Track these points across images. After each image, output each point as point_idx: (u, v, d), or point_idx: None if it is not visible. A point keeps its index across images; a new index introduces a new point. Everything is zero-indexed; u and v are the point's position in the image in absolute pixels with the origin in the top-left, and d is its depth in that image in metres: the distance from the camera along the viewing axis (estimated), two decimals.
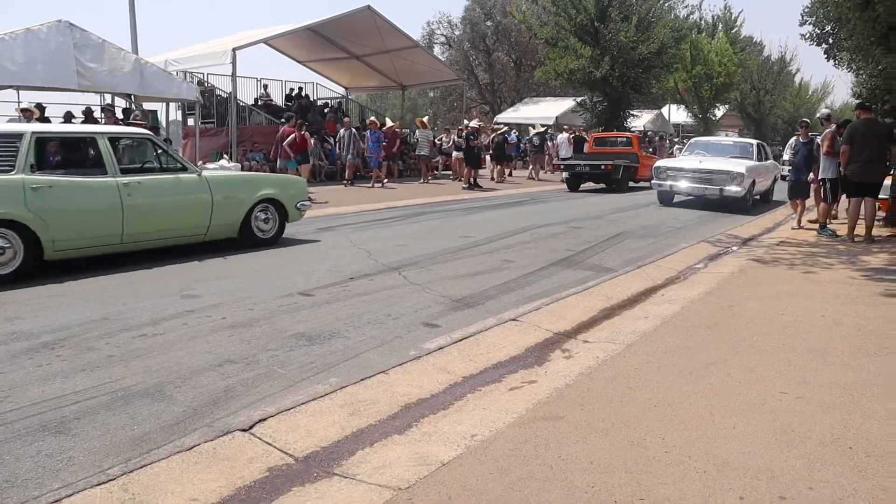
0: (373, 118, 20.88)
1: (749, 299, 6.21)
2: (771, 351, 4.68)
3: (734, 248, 9.38)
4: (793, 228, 11.45)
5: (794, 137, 11.93)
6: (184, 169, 7.84)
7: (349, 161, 19.05)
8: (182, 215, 7.65)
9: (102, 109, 11.67)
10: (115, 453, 3.10)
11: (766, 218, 13.59)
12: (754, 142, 16.08)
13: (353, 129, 19.44)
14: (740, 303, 6.09)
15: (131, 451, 3.12)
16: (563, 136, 25.03)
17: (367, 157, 19.36)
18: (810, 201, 12.00)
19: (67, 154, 8.47)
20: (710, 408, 3.67)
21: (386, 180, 19.38)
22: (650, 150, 26.32)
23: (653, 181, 14.96)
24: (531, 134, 25.83)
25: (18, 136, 6.55)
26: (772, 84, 47.80)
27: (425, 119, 23.33)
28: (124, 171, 7.24)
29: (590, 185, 19.63)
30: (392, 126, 20.55)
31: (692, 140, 17.63)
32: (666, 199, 15.28)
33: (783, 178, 20.67)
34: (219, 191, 7.93)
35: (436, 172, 23.33)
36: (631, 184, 19.55)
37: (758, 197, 15.34)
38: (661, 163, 15.51)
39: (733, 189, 13.60)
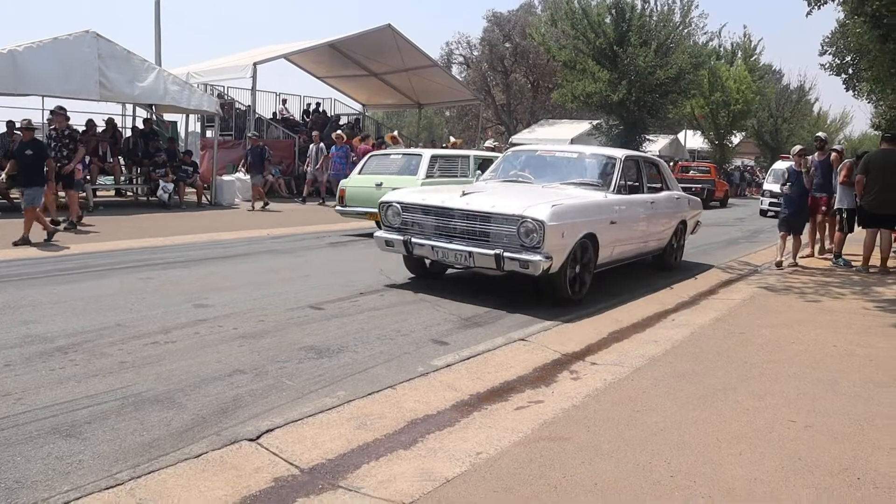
0: (339, 132, 18.58)
1: (760, 327, 6.19)
2: (781, 379, 4.66)
3: (746, 274, 9.34)
4: (777, 265, 9.81)
5: (787, 165, 10.54)
6: None
7: (309, 176, 17.99)
8: None
9: (52, 112, 11.20)
10: (125, 458, 3.14)
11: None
12: (620, 156, 8.00)
13: (322, 145, 18.13)
14: (751, 330, 6.07)
15: (140, 457, 3.15)
16: None
17: (330, 177, 16.97)
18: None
19: None
20: (717, 433, 3.66)
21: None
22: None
23: (375, 233, 7.52)
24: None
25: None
26: (790, 112, 47.69)
27: (395, 133, 20.55)
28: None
29: None
30: (357, 140, 18.85)
31: (508, 151, 9.40)
32: (408, 262, 7.80)
33: (766, 212, 20.30)
34: None
35: None
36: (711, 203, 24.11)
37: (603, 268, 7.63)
38: (392, 196, 7.45)
39: (524, 258, 6.23)
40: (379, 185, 10.80)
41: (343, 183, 12.00)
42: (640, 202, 8.08)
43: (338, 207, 11.73)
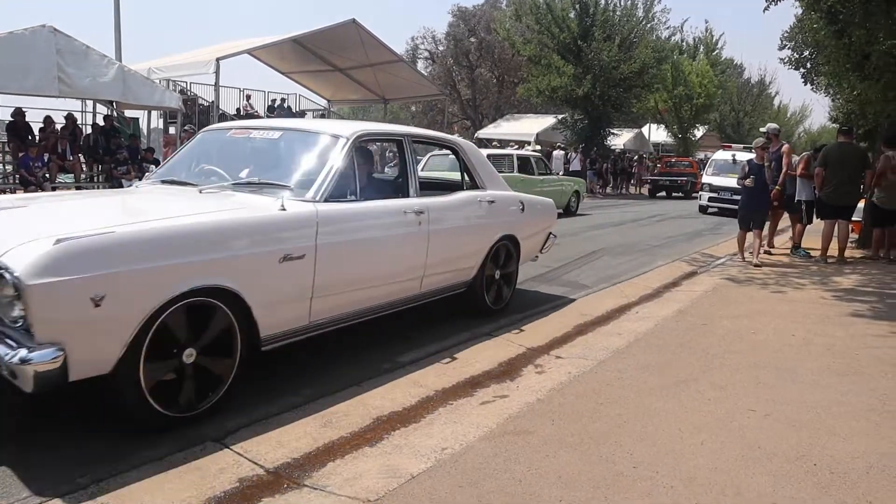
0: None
1: (722, 318, 6.30)
2: (741, 369, 4.75)
3: (709, 266, 9.49)
4: (743, 259, 9.67)
5: (747, 158, 10.34)
6: None
7: None
8: None
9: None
10: (86, 462, 3.09)
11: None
12: (347, 134, 4.70)
13: None
14: (713, 321, 6.17)
15: (102, 460, 3.11)
16: (559, 153, 25.35)
17: None
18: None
19: None
20: (679, 424, 3.72)
21: None
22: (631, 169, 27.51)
23: None
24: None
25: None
26: (751, 106, 48.61)
27: None
28: None
29: None
30: None
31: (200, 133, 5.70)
32: None
33: (706, 209, 18.66)
34: None
35: None
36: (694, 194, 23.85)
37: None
38: None
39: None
40: None
41: None
42: (383, 212, 4.83)
43: None
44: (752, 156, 14.21)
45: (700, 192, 19.97)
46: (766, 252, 10.54)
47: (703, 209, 19.36)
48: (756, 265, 9.24)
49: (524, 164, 15.12)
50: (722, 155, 20.47)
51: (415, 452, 3.34)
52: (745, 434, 3.61)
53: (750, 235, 9.67)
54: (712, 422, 3.77)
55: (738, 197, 13.26)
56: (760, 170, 9.46)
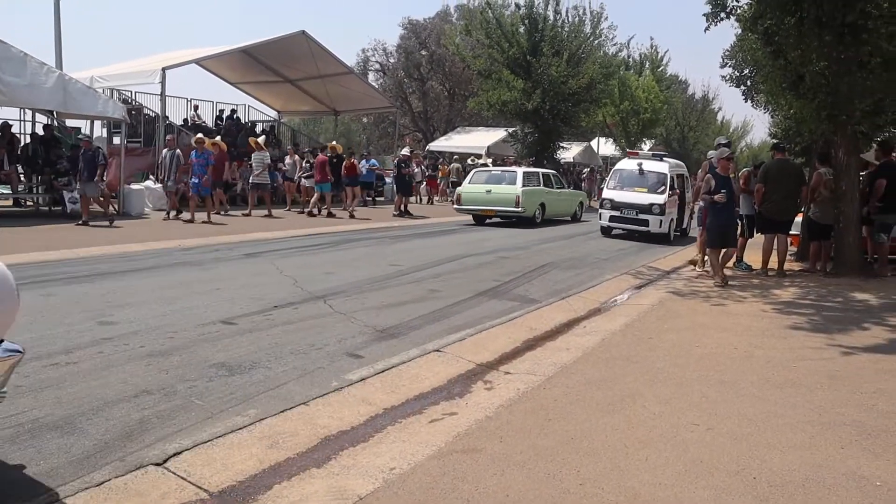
0: (200, 135, 16.39)
1: (667, 332, 6.42)
2: (686, 383, 4.84)
3: (655, 279, 9.67)
4: (722, 283, 8.96)
5: (706, 173, 9.74)
6: None
7: (170, 188, 15.56)
8: None
9: None
10: (16, 491, 2.98)
11: (689, 250, 14.00)
12: None
13: (178, 151, 15.80)
14: (658, 335, 6.28)
15: (34, 489, 3.00)
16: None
17: (189, 184, 15.24)
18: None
19: None
20: (624, 440, 3.78)
21: (216, 210, 16.07)
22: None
23: None
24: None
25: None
26: (695, 121, 49.72)
27: (260, 139, 19.49)
28: None
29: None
30: (218, 143, 17.30)
31: None
32: None
33: (610, 230, 15.24)
34: None
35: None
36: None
37: None
38: None
39: None
40: (488, 192, 17.24)
41: (459, 189, 18.32)
42: None
43: (455, 206, 17.81)
44: (658, 165, 14.54)
45: (600, 210, 15.99)
46: (705, 270, 10.34)
47: (605, 231, 15.86)
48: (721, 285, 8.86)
49: (546, 180, 18.99)
50: (627, 164, 16.49)
51: (363, 473, 3.32)
52: (689, 448, 3.68)
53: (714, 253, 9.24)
54: (657, 437, 3.83)
55: (648, 217, 13.62)
56: (728, 182, 9.12)
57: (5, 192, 15.28)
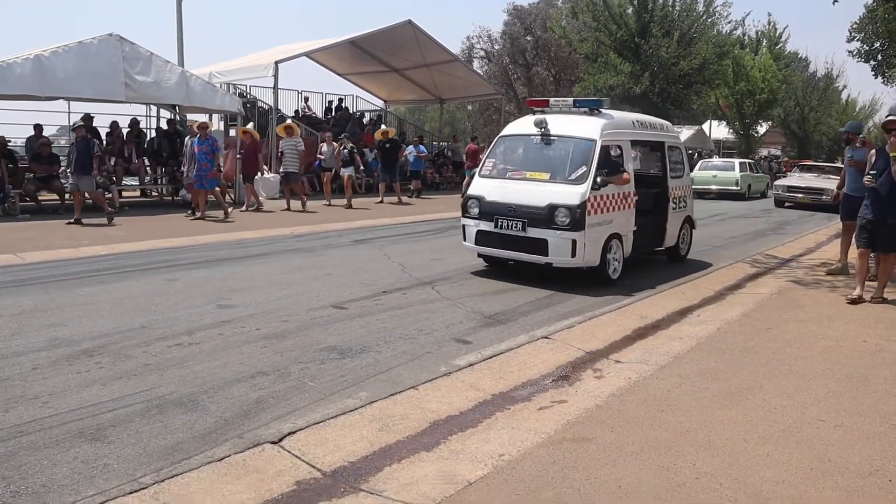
0: (203, 120, 14.63)
1: (788, 322, 6.09)
2: (809, 376, 4.58)
3: (773, 268, 9.19)
4: (855, 300, 6.88)
5: (868, 149, 7.73)
6: None
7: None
8: None
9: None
10: (148, 462, 3.16)
11: (807, 238, 13.26)
12: None
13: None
14: (778, 325, 5.97)
15: (163, 461, 3.17)
16: None
17: (190, 177, 12.98)
18: None
19: None
20: (743, 434, 3.61)
21: (243, 208, 14.74)
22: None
23: None
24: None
25: None
26: (817, 101, 46.84)
27: (290, 122, 17.11)
28: None
29: None
30: (250, 131, 15.85)
31: None
32: None
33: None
34: None
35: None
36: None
37: None
38: None
39: None
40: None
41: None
42: None
43: None
44: (580, 123, 8.02)
45: (462, 220, 8.11)
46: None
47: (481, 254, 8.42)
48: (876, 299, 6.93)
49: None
50: (520, 126, 8.68)
51: (472, 458, 3.32)
52: (814, 445, 3.47)
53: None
54: (778, 432, 3.64)
55: (545, 233, 7.21)
56: (888, 162, 6.60)
57: (133, 183, 16.23)
